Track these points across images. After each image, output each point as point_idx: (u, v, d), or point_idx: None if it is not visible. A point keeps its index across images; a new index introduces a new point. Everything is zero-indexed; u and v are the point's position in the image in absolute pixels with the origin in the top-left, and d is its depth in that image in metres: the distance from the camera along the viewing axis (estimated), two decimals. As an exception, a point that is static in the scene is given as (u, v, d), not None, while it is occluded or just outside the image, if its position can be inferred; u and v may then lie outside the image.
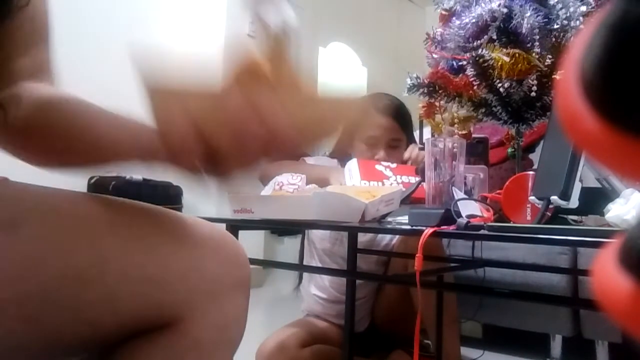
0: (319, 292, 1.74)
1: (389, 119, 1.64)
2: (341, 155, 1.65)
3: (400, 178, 1.33)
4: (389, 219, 1.11)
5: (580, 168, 0.78)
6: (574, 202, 0.78)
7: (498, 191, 0.96)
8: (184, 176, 0.48)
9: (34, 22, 0.56)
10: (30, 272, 0.41)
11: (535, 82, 1.17)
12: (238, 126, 0.42)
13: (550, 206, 0.80)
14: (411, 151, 1.62)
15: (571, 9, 1.14)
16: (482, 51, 1.16)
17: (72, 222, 0.46)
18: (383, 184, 1.28)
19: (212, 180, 0.47)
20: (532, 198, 0.84)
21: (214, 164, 0.45)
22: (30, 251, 0.42)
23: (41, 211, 0.45)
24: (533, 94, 1.18)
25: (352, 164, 1.32)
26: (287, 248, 3.25)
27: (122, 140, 0.52)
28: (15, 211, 0.44)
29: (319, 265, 1.72)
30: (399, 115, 1.66)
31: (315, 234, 1.72)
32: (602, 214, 0.77)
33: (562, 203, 0.78)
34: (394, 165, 1.38)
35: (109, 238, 0.47)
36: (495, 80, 1.17)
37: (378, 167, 1.34)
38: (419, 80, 1.29)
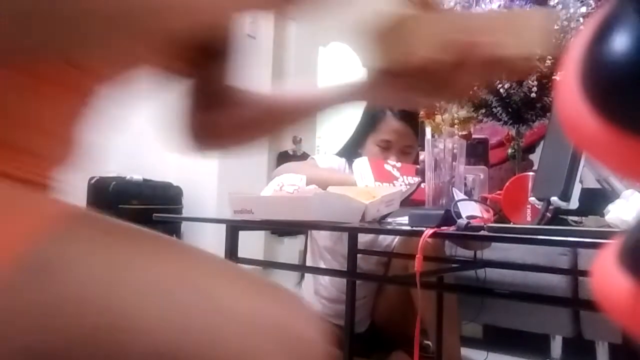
0: (320, 290, 1.74)
1: (405, 124, 1.63)
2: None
3: (407, 179, 1.33)
4: (389, 219, 1.11)
5: (580, 169, 0.78)
6: (574, 203, 0.78)
7: (498, 192, 0.96)
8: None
9: None
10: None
11: (535, 83, 1.17)
12: None
13: (551, 207, 0.80)
14: None
15: (571, 10, 1.14)
16: (482, 52, 1.16)
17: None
18: (393, 185, 1.28)
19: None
20: (532, 199, 0.84)
21: None
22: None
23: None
24: (533, 94, 1.18)
25: (363, 164, 1.32)
26: (287, 249, 3.25)
27: None
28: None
29: (321, 262, 1.72)
30: (416, 122, 1.64)
31: (318, 232, 1.72)
32: (602, 215, 0.77)
33: (562, 204, 0.78)
34: (399, 164, 1.38)
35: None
36: (495, 81, 1.18)
37: (386, 166, 1.35)
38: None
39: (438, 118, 1.35)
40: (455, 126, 1.33)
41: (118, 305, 0.38)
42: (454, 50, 0.49)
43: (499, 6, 1.17)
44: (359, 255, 1.49)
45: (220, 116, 0.69)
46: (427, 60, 0.49)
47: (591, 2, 1.14)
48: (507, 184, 0.94)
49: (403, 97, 0.56)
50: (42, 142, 0.46)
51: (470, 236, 0.91)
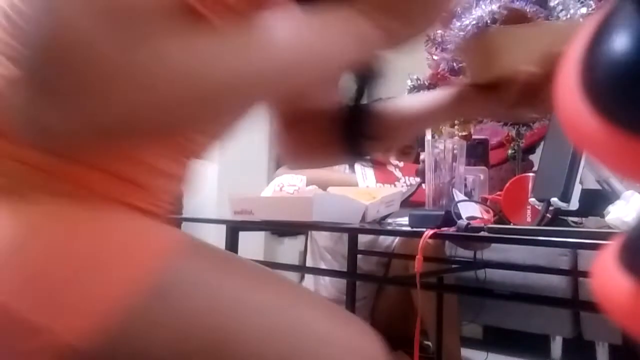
0: (320, 290, 1.74)
1: None
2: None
3: (409, 180, 1.33)
4: (390, 220, 1.11)
5: (580, 170, 0.78)
6: (574, 204, 0.78)
7: (498, 193, 0.96)
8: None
9: None
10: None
11: (535, 83, 1.17)
12: None
13: (551, 208, 0.80)
14: None
15: (571, 11, 1.14)
16: (482, 53, 1.16)
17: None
18: (395, 186, 1.28)
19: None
20: (532, 200, 0.84)
21: None
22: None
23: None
24: (533, 95, 1.18)
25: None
26: (287, 249, 3.24)
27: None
28: None
29: (321, 262, 1.72)
30: None
31: (318, 232, 1.73)
32: (603, 216, 0.77)
33: (562, 205, 0.78)
34: (402, 164, 1.38)
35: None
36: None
37: (389, 167, 1.35)
38: (419, 82, 1.29)
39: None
40: (456, 127, 1.33)
41: (234, 326, 0.44)
42: (552, 64, 0.50)
43: (499, 6, 1.17)
44: (359, 256, 1.49)
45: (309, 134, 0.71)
46: (526, 74, 0.51)
47: (591, 2, 1.14)
48: (507, 184, 0.94)
49: (499, 111, 0.58)
50: (158, 178, 0.51)
51: (470, 237, 0.91)
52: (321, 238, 1.72)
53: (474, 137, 1.36)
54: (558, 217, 0.85)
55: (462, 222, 0.81)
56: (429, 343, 1.65)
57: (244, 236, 1.21)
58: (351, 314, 0.56)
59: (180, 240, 0.48)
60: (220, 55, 0.38)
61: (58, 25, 0.33)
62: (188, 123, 0.42)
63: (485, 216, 0.95)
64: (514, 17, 0.55)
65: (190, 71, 0.37)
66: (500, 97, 0.55)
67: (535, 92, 0.52)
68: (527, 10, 0.56)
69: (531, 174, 0.93)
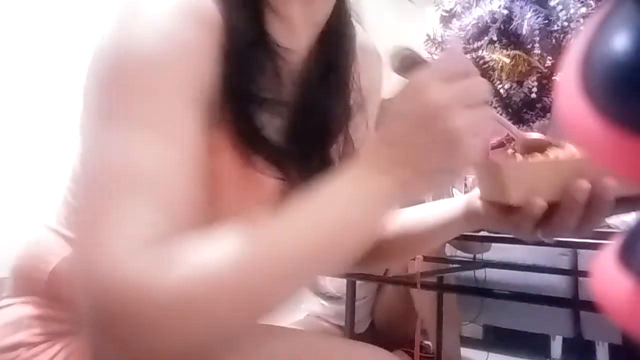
0: (320, 290, 1.74)
1: None
2: None
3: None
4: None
5: (580, 169, 0.78)
6: (574, 203, 0.77)
7: (498, 192, 0.96)
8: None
9: None
10: None
11: (535, 83, 1.17)
12: None
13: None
14: None
15: (571, 11, 1.14)
16: (482, 52, 1.16)
17: None
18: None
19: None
20: (532, 199, 0.83)
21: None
22: None
23: None
24: (533, 95, 1.19)
25: None
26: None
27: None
28: None
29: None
30: None
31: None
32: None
33: (563, 204, 0.77)
34: None
35: None
36: (495, 81, 1.18)
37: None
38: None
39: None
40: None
41: None
42: (564, 194, 0.49)
43: (499, 6, 1.17)
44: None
45: None
46: (539, 208, 0.50)
47: (591, 2, 1.14)
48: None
49: (506, 229, 0.56)
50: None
51: (470, 236, 0.91)
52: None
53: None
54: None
55: (462, 222, 0.81)
56: (429, 343, 1.65)
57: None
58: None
59: None
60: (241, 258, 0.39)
61: (108, 269, 0.36)
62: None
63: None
64: (533, 146, 0.55)
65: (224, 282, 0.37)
66: (514, 222, 0.53)
67: (547, 220, 0.51)
68: (545, 139, 0.56)
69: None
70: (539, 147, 0.55)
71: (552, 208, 0.50)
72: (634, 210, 0.58)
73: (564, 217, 0.50)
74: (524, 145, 0.56)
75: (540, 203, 0.50)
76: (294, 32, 0.56)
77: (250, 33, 0.50)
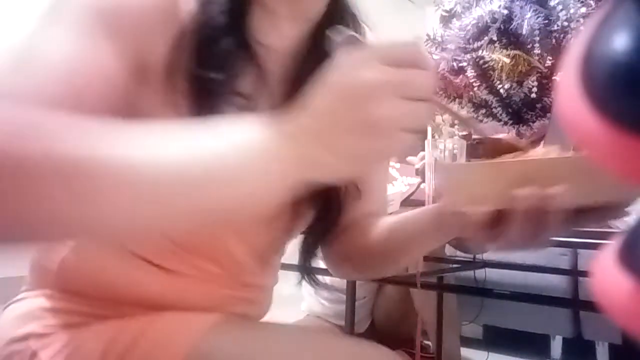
0: (320, 290, 1.74)
1: None
2: None
3: (407, 179, 1.33)
4: (389, 219, 1.11)
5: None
6: (574, 203, 0.78)
7: (498, 192, 0.96)
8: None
9: None
10: None
11: (535, 83, 1.17)
12: None
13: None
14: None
15: (571, 11, 1.14)
16: (482, 52, 1.16)
17: None
18: (393, 185, 1.28)
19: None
20: (532, 199, 0.83)
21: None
22: None
23: None
24: (533, 95, 1.18)
25: None
26: (288, 248, 3.25)
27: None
28: None
29: (322, 262, 1.72)
30: None
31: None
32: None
33: (563, 204, 0.77)
34: (398, 165, 1.38)
35: None
36: (495, 81, 1.18)
37: (387, 167, 1.34)
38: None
39: (438, 118, 1.35)
40: (456, 126, 1.33)
41: None
42: (519, 201, 0.43)
43: (499, 6, 1.17)
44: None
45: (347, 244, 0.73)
46: (490, 211, 0.44)
47: (591, 2, 1.14)
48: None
49: (467, 237, 0.50)
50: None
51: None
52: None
53: (474, 136, 1.36)
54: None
55: (462, 222, 0.81)
56: (429, 343, 1.65)
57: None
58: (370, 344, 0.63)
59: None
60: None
61: None
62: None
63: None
64: (499, 147, 0.50)
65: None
66: (470, 226, 0.47)
67: (493, 230, 0.46)
68: (510, 140, 0.51)
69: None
70: (509, 149, 0.50)
71: (500, 217, 0.45)
72: (601, 222, 0.52)
73: (506, 227, 0.45)
74: (493, 147, 0.52)
75: (479, 209, 0.45)
76: (280, 26, 0.55)
77: (223, 23, 0.50)
